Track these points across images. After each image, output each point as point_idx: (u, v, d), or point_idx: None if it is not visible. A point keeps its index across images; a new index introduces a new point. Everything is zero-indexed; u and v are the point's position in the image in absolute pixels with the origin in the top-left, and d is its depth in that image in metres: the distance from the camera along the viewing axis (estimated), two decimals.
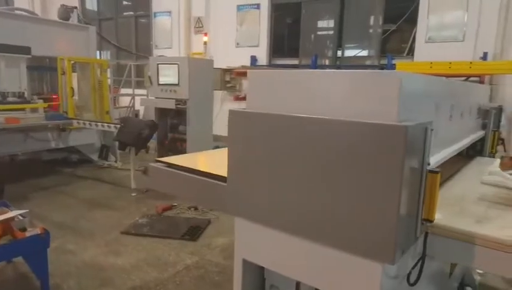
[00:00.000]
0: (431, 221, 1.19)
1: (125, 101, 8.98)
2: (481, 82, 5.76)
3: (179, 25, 9.17)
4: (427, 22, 6.44)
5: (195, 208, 4.26)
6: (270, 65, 8.14)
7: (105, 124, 5.04)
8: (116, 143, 6.17)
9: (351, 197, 1.13)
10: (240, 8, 8.33)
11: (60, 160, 6.20)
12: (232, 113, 1.43)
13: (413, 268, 1.27)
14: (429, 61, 5.87)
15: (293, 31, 7.98)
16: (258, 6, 8.09)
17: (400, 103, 1.07)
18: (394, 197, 1.05)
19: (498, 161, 2.06)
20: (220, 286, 2.73)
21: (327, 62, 7.70)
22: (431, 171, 1.17)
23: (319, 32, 8.05)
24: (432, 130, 1.17)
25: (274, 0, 7.99)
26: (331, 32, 7.63)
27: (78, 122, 5.28)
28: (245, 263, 1.50)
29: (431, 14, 6.38)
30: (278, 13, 8.13)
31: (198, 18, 8.77)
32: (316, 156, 1.20)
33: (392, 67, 6.53)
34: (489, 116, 2.56)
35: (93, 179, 5.44)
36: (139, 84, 8.74)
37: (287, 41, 8.29)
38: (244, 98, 8.10)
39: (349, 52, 7.59)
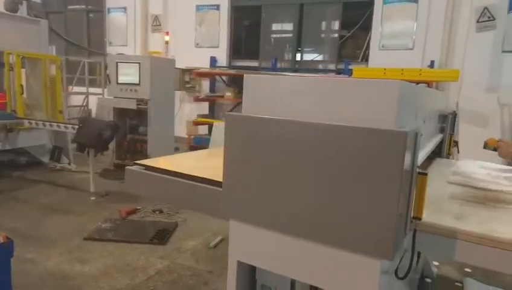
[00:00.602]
0: (420, 219, 1.29)
1: (76, 100, 8.53)
2: (433, 87, 6.22)
3: (135, 22, 8.90)
4: (380, 30, 6.82)
5: (161, 211, 4.17)
6: (230, 67, 8.16)
7: (61, 125, 4.77)
8: (70, 145, 5.91)
9: (350, 199, 1.20)
10: (199, 8, 8.26)
11: (6, 162, 5.75)
12: (228, 117, 1.44)
13: (399, 263, 1.37)
14: (383, 68, 6.24)
15: (253, 33, 8.07)
16: (217, 7, 8.08)
17: (398, 109, 1.16)
18: (394, 198, 1.13)
19: (459, 162, 2.25)
20: (195, 288, 2.71)
21: (287, 65, 7.86)
22: (420, 173, 1.27)
23: (279, 36, 8.21)
24: (421, 135, 1.27)
25: (234, 2, 8.02)
26: (291, 35, 7.81)
27: (30, 122, 4.93)
28: (239, 264, 1.51)
29: (384, 23, 6.77)
30: (238, 15, 8.17)
31: (156, 16, 8.57)
32: (316, 160, 1.25)
33: (349, 72, 6.84)
34: (447, 121, 2.79)
35: (46, 182, 5.12)
36: (91, 82, 8.36)
37: (247, 43, 8.36)
38: (203, 99, 8.06)
39: (307, 56, 7.82)
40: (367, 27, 7.17)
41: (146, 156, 5.50)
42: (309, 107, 1.31)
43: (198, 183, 1.71)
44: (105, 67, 8.32)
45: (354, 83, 1.25)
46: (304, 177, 1.28)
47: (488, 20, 6.03)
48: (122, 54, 6.24)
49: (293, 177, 1.31)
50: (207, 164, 2.33)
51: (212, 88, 8.25)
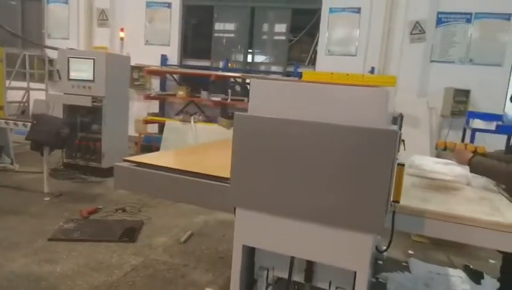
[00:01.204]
0: (398, 202, 1.59)
1: (13, 95, 7.90)
2: None
3: (78, 15, 8.48)
4: (326, 37, 7.31)
5: (123, 210, 4.15)
6: (181, 65, 8.16)
7: (11, 122, 4.48)
8: (11, 143, 5.53)
9: (348, 185, 1.44)
10: (149, 4, 8.14)
11: None
12: (237, 116, 1.62)
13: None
14: (330, 72, 6.72)
15: (205, 33, 8.15)
16: (169, 5, 8.03)
17: (387, 112, 1.43)
18: (386, 184, 1.40)
19: (412, 157, 2.63)
20: (173, 282, 2.80)
21: (238, 66, 8.07)
22: (399, 164, 1.57)
23: (230, 36, 8.38)
24: (401, 133, 1.56)
25: (186, 1, 8.03)
26: (242, 37, 8.03)
27: None
28: (243, 248, 1.69)
29: (330, 30, 7.28)
30: (190, 14, 8.20)
31: (103, 10, 8.26)
32: (318, 153, 1.48)
33: (298, 74, 7.23)
34: (397, 121, 3.20)
35: None
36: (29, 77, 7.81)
37: (198, 42, 8.41)
38: (154, 98, 7.95)
39: (258, 58, 8.09)
40: (313, 33, 7.65)
41: (100, 155, 5.37)
42: (310, 108, 1.54)
43: (198, 179, 1.86)
44: (50, 62, 7.89)
45: (351, 89, 1.50)
46: (306, 168, 1.50)
47: (419, 33, 6.79)
48: (73, 48, 5.97)
49: (296, 169, 1.52)
50: (193, 159, 2.46)
51: (163, 86, 8.17)
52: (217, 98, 7.42)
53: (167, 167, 2.03)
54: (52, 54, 7.90)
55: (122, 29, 6.41)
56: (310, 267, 1.68)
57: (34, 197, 4.36)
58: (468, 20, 6.65)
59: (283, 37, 7.84)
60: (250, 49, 8.00)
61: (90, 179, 5.27)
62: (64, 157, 5.51)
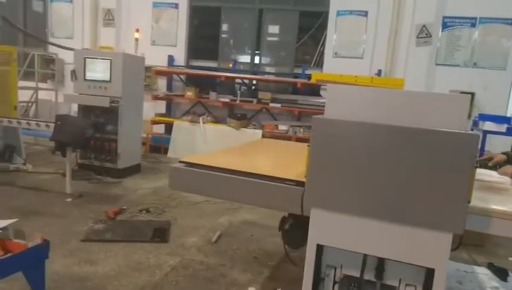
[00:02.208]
0: (469, 202, 1.66)
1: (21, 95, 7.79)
2: None
3: (83, 14, 8.42)
4: (334, 39, 7.42)
5: (147, 211, 4.16)
6: (188, 66, 8.16)
7: (32, 122, 4.44)
8: (22, 143, 5.48)
9: (431, 187, 1.52)
10: (156, 5, 8.13)
11: None
12: (315, 120, 1.68)
13: None
14: (339, 74, 6.82)
15: (212, 34, 8.18)
16: (176, 6, 8.03)
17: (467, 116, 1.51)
18: (467, 185, 1.48)
19: None
20: (215, 281, 2.84)
21: (245, 67, 8.11)
22: (474, 167, 1.64)
23: (238, 38, 8.42)
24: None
25: (193, 2, 8.05)
26: (249, 38, 8.08)
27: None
28: (317, 247, 1.75)
29: (337, 33, 7.38)
30: (197, 15, 8.21)
31: (108, 10, 8.21)
32: (400, 155, 1.55)
33: (305, 76, 7.33)
34: None
35: (6, 185, 4.71)
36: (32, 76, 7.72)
37: (205, 43, 8.43)
38: (162, 98, 7.94)
39: (265, 60, 8.15)
40: (318, 35, 7.75)
41: (115, 156, 5.37)
42: (387, 112, 1.60)
43: (274, 183, 1.92)
44: (52, 61, 7.80)
45: (430, 96, 1.58)
46: (386, 170, 1.57)
47: (425, 37, 6.95)
48: (88, 49, 5.93)
49: (375, 170, 1.59)
50: (244, 161, 2.51)
51: (169, 87, 8.17)
52: (225, 99, 7.46)
53: (230, 169, 2.08)
54: (57, 53, 7.83)
55: (137, 30, 6.38)
56: (381, 265, 1.75)
57: (55, 198, 4.34)
58: (473, 25, 6.83)
59: (290, 39, 7.91)
60: (257, 50, 8.05)
61: (106, 180, 5.26)
62: (78, 158, 5.48)
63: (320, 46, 7.86)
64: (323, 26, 7.62)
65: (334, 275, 1.84)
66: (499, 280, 3.20)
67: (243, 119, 7.30)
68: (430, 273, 1.69)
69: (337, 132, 1.64)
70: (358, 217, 1.65)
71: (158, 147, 7.54)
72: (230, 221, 4.12)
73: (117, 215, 3.94)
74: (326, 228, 1.72)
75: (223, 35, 8.16)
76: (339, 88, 1.69)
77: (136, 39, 5.87)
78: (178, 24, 8.08)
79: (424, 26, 6.91)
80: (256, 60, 8.11)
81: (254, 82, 8.03)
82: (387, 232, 1.62)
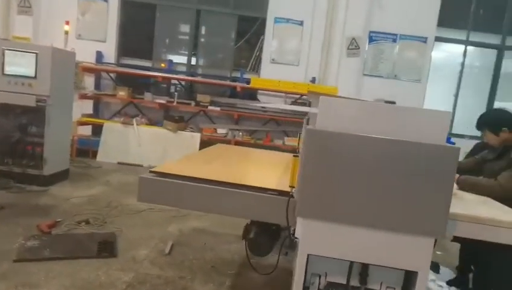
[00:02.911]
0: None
1: None
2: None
3: None
4: (271, 45, 7.59)
5: (87, 222, 3.79)
6: (119, 64, 7.67)
7: None
8: None
9: (415, 196, 1.63)
10: None
11: None
12: (308, 131, 1.69)
13: None
14: (277, 80, 7.02)
15: (146, 32, 7.79)
16: None
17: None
18: (449, 193, 1.62)
19: None
20: None
21: (181, 68, 7.87)
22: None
23: (174, 37, 8.13)
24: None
25: None
26: (187, 38, 7.87)
27: None
28: (308, 257, 1.76)
29: (275, 40, 7.57)
30: (130, 10, 7.75)
31: None
32: (387, 166, 1.63)
33: (244, 80, 7.37)
34: None
35: None
36: None
37: (139, 41, 7.98)
38: (90, 97, 7.32)
39: (202, 62, 8.00)
40: (256, 40, 7.87)
41: (40, 161, 4.81)
42: (375, 125, 1.68)
43: (249, 192, 1.90)
44: None
45: (415, 111, 1.69)
46: (374, 180, 1.65)
47: (354, 48, 7.48)
48: (6, 39, 5.19)
49: (365, 180, 1.65)
50: (214, 169, 2.43)
51: (98, 85, 7.58)
52: (161, 100, 7.16)
53: (208, 179, 2.00)
54: None
55: (67, 22, 5.78)
56: (365, 270, 1.83)
57: None
58: (394, 40, 7.54)
59: (228, 42, 7.89)
60: (194, 51, 7.87)
61: (30, 189, 4.67)
62: None
63: (256, 51, 7.98)
64: (259, 32, 7.75)
65: (319, 283, 1.87)
66: (433, 272, 3.56)
67: (181, 122, 7.08)
68: (408, 275, 1.82)
69: (329, 143, 1.67)
70: (348, 226, 1.70)
71: (85, 150, 6.94)
72: (180, 229, 3.95)
73: (52, 228, 3.53)
74: (317, 238, 1.74)
75: (158, 34, 7.81)
76: (330, 101, 1.73)
77: (66, 32, 5.34)
78: (108, 18, 7.53)
79: (353, 38, 7.43)
80: (193, 61, 7.92)
81: (191, 84, 7.83)
82: (375, 239, 1.69)
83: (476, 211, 1.97)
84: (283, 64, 7.61)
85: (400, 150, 1.63)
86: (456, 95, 7.87)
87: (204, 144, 6.94)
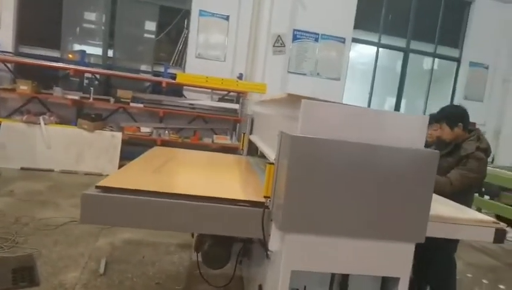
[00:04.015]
0: None
1: None
2: (244, 97, 7.19)
3: None
4: (196, 40, 7.27)
5: None
6: (18, 53, 6.62)
7: None
8: None
9: (396, 202, 1.61)
10: None
11: None
12: (293, 138, 1.54)
13: None
14: (205, 76, 6.75)
15: (53, 17, 6.83)
16: None
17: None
18: (429, 198, 1.62)
19: None
20: None
21: (96, 61, 7.10)
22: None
23: (87, 26, 7.29)
24: None
25: None
26: (102, 28, 7.11)
27: None
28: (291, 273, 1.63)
29: (200, 34, 7.27)
30: None
31: None
32: (371, 172, 1.58)
33: (168, 75, 6.94)
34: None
35: None
36: None
37: (43, 28, 6.96)
38: None
39: (120, 54, 7.32)
40: (179, 33, 7.48)
41: None
42: (357, 131, 1.62)
43: (219, 205, 1.72)
44: None
45: (394, 115, 1.66)
46: (358, 187, 1.59)
47: (280, 46, 7.56)
48: None
49: (349, 188, 1.59)
50: (171, 177, 2.15)
51: None
52: (74, 96, 6.37)
53: (169, 193, 1.75)
54: None
55: None
56: (345, 280, 1.77)
57: None
58: (316, 40, 7.82)
59: (149, 35, 7.35)
60: (110, 43, 7.16)
61: None
62: None
63: (179, 44, 7.59)
64: (182, 24, 7.37)
65: None
66: None
67: (98, 120, 6.39)
68: (385, 281, 1.81)
69: (314, 151, 1.55)
70: (333, 237, 1.62)
71: None
72: (111, 243, 3.52)
73: None
74: (302, 253, 1.62)
75: (67, 20, 6.91)
76: (313, 104, 1.61)
77: None
78: (2, 1, 6.43)
79: (279, 36, 7.50)
80: (110, 53, 7.20)
81: (108, 78, 7.12)
82: (358, 248, 1.64)
83: (436, 210, 2.05)
84: (209, 60, 7.35)
85: (381, 155, 1.58)
86: (371, 93, 8.49)
87: (126, 144, 6.39)
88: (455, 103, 8.74)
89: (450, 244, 2.55)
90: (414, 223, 1.63)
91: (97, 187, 1.75)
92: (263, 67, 7.49)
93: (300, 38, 7.74)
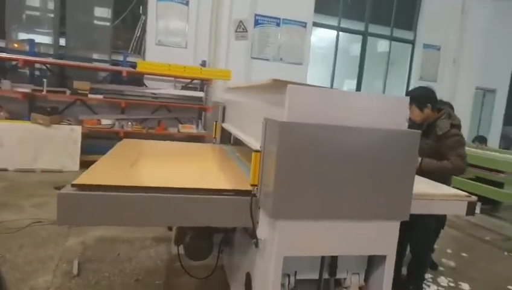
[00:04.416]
0: None
1: None
2: (209, 84, 7.06)
3: None
4: (156, 26, 7.00)
5: None
6: None
7: None
8: None
9: (384, 181, 1.64)
10: None
11: None
12: (281, 124, 1.52)
13: None
14: (167, 63, 6.53)
15: None
16: None
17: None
18: (412, 176, 1.68)
19: None
20: None
21: (47, 50, 6.64)
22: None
23: (34, 12, 6.76)
24: None
25: None
26: (51, 15, 6.63)
27: None
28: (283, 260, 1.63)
29: (159, 20, 7.00)
30: None
31: None
32: (354, 154, 1.59)
33: (129, 64, 6.65)
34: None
35: None
36: None
37: None
38: None
39: (73, 42, 6.88)
40: (136, 19, 7.17)
41: None
42: (342, 114, 1.63)
43: (207, 196, 1.69)
44: None
45: (376, 97, 1.69)
46: (347, 170, 1.61)
47: (242, 32, 7.45)
48: None
49: (338, 172, 1.60)
50: (149, 170, 2.07)
51: None
52: (25, 89, 5.95)
53: (150, 187, 1.68)
54: None
55: None
56: (334, 262, 1.80)
57: None
58: (278, 24, 7.80)
59: (104, 22, 6.97)
60: (62, 31, 6.70)
61: None
62: None
63: (137, 31, 7.28)
64: (139, 10, 7.06)
65: (289, 283, 1.78)
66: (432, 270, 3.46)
67: (54, 114, 6.01)
68: (371, 260, 1.87)
69: (303, 136, 1.54)
70: (322, 221, 1.63)
71: None
72: (83, 242, 3.36)
73: None
74: (294, 239, 1.62)
75: (10, 6, 6.37)
76: (299, 90, 1.58)
77: None
78: None
79: (241, 21, 7.39)
80: (62, 42, 6.75)
81: (61, 69, 6.69)
82: (347, 230, 1.67)
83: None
84: (170, 47, 7.12)
85: (365, 137, 1.60)
86: (332, 77, 8.65)
87: (87, 137, 6.10)
88: (412, 83, 9.14)
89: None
90: (399, 202, 1.68)
91: (73, 185, 1.64)
92: (226, 54, 7.37)
93: (262, 23, 7.68)
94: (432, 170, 2.56)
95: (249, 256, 2.01)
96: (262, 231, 1.76)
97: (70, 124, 6.07)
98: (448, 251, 4.05)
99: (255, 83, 2.18)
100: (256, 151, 1.72)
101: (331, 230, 1.65)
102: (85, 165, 5.77)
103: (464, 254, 3.97)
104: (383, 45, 9.52)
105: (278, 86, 1.68)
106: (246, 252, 2.10)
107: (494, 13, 9.11)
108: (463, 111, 9.16)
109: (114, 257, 3.15)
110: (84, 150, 5.98)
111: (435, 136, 2.67)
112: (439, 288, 3.17)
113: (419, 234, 2.71)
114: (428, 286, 3.17)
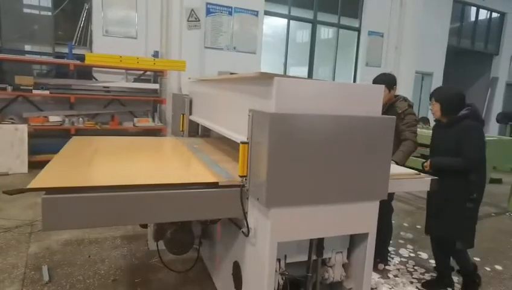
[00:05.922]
0: None
1: None
2: (162, 76, 6.86)
3: None
4: (102, 15, 6.64)
5: None
6: None
7: None
8: None
9: (362, 165, 1.76)
10: None
11: None
12: (272, 116, 1.57)
13: None
14: (119, 55, 6.26)
15: None
16: None
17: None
18: (388, 159, 1.82)
19: None
20: None
21: None
22: None
23: None
24: None
25: None
26: None
27: None
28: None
29: (106, 9, 6.65)
30: None
31: None
32: (337, 141, 1.70)
33: (75, 57, 6.27)
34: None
35: None
36: None
37: None
38: None
39: (11, 35, 6.31)
40: (79, 8, 6.76)
41: None
42: (326, 104, 1.72)
43: (194, 190, 1.71)
44: None
45: (354, 86, 1.79)
46: (332, 156, 1.71)
47: (194, 21, 7.31)
48: None
49: (325, 158, 1.69)
50: (124, 167, 2.03)
51: None
52: None
53: (137, 185, 1.67)
54: None
55: None
56: (321, 243, 1.91)
57: None
58: (230, 13, 7.75)
59: (45, 11, 6.48)
60: None
61: None
62: None
63: (81, 21, 6.86)
64: None
65: (279, 267, 1.85)
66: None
67: None
68: (352, 238, 2.00)
69: (292, 126, 1.61)
70: (311, 207, 1.72)
71: None
72: (48, 247, 3.19)
73: None
74: (286, 225, 1.69)
75: None
76: (286, 82, 1.63)
77: None
78: None
79: (192, 10, 7.23)
80: None
81: None
82: (332, 213, 1.77)
83: None
84: (119, 38, 6.81)
85: (347, 124, 1.71)
86: (285, 64, 8.80)
87: (34, 136, 5.70)
88: (359, 69, 9.59)
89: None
90: (378, 183, 1.81)
91: (44, 189, 1.57)
92: (179, 44, 7.19)
93: (214, 12, 7.59)
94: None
95: (237, 245, 2.06)
96: (251, 220, 1.82)
97: (13, 123, 5.63)
98: (405, 224, 4.39)
99: (244, 74, 2.17)
100: (244, 143, 1.76)
101: (320, 214, 1.74)
102: (34, 166, 5.53)
103: (418, 226, 4.33)
104: (330, 32, 9.83)
105: (262, 78, 1.71)
106: (232, 242, 2.15)
107: (429, 3, 9.79)
108: (405, 93, 9.71)
109: (85, 259, 3.03)
110: (33, 150, 5.60)
111: (395, 113, 2.88)
112: (402, 259, 3.45)
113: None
114: (392, 258, 3.43)
